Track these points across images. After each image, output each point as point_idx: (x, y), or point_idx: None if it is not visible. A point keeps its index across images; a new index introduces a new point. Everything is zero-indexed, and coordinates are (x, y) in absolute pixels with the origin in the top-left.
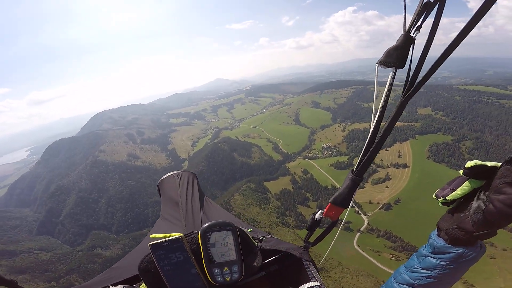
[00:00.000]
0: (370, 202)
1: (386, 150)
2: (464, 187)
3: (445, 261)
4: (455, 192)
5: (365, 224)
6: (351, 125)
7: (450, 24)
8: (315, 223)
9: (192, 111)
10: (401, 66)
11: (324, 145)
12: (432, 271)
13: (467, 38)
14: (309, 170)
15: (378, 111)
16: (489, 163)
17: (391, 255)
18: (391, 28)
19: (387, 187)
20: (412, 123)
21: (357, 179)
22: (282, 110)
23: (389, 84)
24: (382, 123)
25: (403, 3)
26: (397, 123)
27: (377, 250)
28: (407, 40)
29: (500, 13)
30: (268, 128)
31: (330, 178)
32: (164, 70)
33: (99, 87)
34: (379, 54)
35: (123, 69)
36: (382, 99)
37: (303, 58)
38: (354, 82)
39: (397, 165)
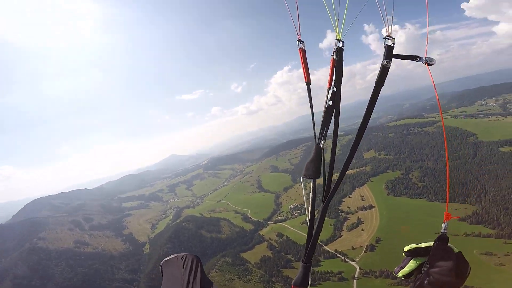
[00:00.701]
0: (353, 248)
1: (349, 197)
2: (410, 265)
3: None
4: (403, 270)
5: (358, 270)
6: (310, 182)
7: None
8: None
9: (146, 193)
10: (318, 176)
11: (291, 205)
12: None
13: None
14: (283, 233)
15: (309, 208)
16: (423, 245)
17: None
18: (321, 81)
19: (362, 229)
20: (363, 168)
21: (307, 265)
22: (244, 180)
23: (312, 192)
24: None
25: (311, 118)
26: (350, 171)
27: None
28: (318, 152)
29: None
30: (233, 200)
31: (304, 234)
32: (112, 151)
33: (35, 171)
34: (317, 108)
35: (63, 149)
36: (309, 212)
37: (255, 123)
38: (303, 140)
39: (363, 208)
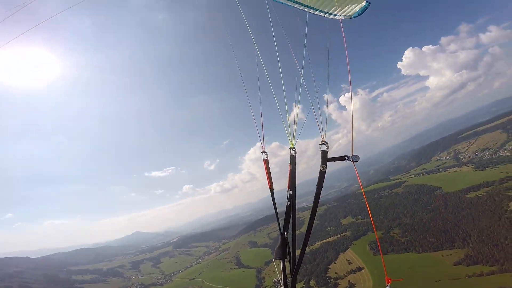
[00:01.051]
0: None
1: (335, 263)
2: None
3: None
4: None
5: None
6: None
7: None
8: None
9: (104, 267)
10: (285, 257)
11: (275, 279)
12: None
13: (344, 149)
14: None
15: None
16: None
17: None
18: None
19: None
20: (343, 234)
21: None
22: (220, 257)
23: (283, 269)
24: None
25: (275, 215)
26: (331, 238)
27: None
28: (283, 240)
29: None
30: (209, 277)
31: None
32: (65, 225)
33: None
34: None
35: (7, 216)
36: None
37: (230, 201)
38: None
39: (352, 271)
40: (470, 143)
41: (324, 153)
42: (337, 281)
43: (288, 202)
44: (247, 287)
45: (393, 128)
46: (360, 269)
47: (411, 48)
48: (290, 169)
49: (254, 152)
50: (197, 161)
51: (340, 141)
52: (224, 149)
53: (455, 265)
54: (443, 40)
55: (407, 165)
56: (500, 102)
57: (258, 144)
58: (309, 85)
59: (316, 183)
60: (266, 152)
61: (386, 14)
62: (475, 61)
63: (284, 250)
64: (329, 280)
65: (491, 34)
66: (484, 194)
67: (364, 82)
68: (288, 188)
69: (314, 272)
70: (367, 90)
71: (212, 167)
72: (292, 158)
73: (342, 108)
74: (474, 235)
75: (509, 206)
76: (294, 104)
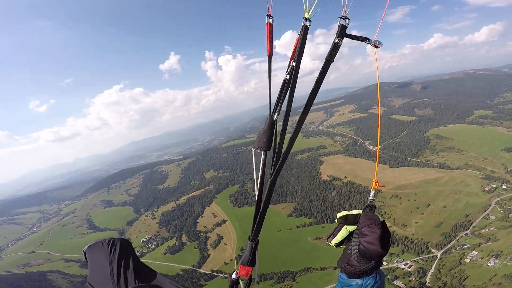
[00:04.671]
0: (225, 263)
1: (202, 217)
2: (342, 232)
3: None
4: (335, 238)
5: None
6: (157, 210)
7: None
8: (234, 282)
9: None
10: (269, 148)
11: (143, 239)
12: None
13: (212, 105)
14: None
15: (258, 180)
16: (354, 212)
17: None
18: (157, 103)
19: (225, 244)
20: (207, 188)
21: (253, 243)
22: (65, 221)
23: (262, 163)
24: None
25: (268, 90)
26: (196, 192)
27: None
28: (271, 124)
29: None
30: (56, 247)
31: (173, 264)
32: None
33: None
34: (152, 133)
35: None
36: (257, 186)
37: (69, 152)
38: (139, 168)
39: (218, 224)
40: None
41: (343, 27)
42: (207, 235)
43: (288, 76)
44: None
45: (255, 94)
46: (224, 221)
47: (290, 31)
48: (299, 39)
49: (110, 95)
50: (17, 100)
51: (209, 97)
52: (65, 88)
53: (288, 217)
54: (317, 32)
55: (260, 126)
56: (329, 91)
57: (116, 87)
58: None
59: (326, 56)
60: (272, 17)
61: None
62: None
63: (270, 137)
64: (199, 234)
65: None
66: (306, 157)
67: (245, 49)
68: (291, 59)
69: (184, 227)
70: (245, 57)
71: (42, 109)
72: (306, 29)
73: (219, 67)
74: (299, 191)
75: (320, 169)
76: None
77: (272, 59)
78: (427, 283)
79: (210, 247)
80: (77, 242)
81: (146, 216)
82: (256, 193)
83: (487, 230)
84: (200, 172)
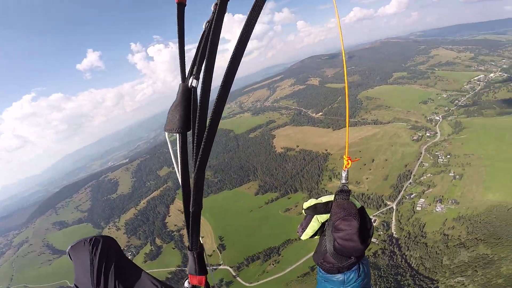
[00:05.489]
0: (209, 255)
1: (169, 216)
2: (313, 224)
3: (337, 286)
4: (305, 232)
5: (231, 270)
6: (119, 220)
7: None
8: None
9: None
10: (187, 128)
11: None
12: None
13: (150, 99)
14: None
15: (180, 176)
16: (324, 199)
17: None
18: (84, 107)
19: (202, 237)
20: (165, 185)
21: (194, 252)
22: (22, 252)
23: (181, 151)
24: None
25: (178, 47)
26: (155, 192)
27: None
28: (185, 94)
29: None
30: (30, 279)
31: (158, 269)
32: None
33: None
34: (87, 141)
35: None
36: (182, 181)
37: None
38: (83, 181)
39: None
40: (249, 96)
41: None
42: (180, 232)
43: (207, 23)
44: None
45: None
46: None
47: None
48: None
49: (21, 107)
50: None
51: (145, 91)
52: None
53: (255, 195)
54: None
55: None
56: (269, 68)
57: (26, 97)
58: None
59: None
60: None
61: None
62: (263, 34)
63: (186, 112)
64: (172, 234)
65: (282, 14)
66: (259, 134)
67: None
68: None
69: (154, 231)
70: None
71: None
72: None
73: (149, 58)
74: (259, 168)
75: (273, 143)
76: None
77: (185, 8)
78: (394, 235)
79: (187, 243)
80: (48, 269)
81: (109, 228)
82: (182, 193)
83: (425, 177)
84: (153, 171)
